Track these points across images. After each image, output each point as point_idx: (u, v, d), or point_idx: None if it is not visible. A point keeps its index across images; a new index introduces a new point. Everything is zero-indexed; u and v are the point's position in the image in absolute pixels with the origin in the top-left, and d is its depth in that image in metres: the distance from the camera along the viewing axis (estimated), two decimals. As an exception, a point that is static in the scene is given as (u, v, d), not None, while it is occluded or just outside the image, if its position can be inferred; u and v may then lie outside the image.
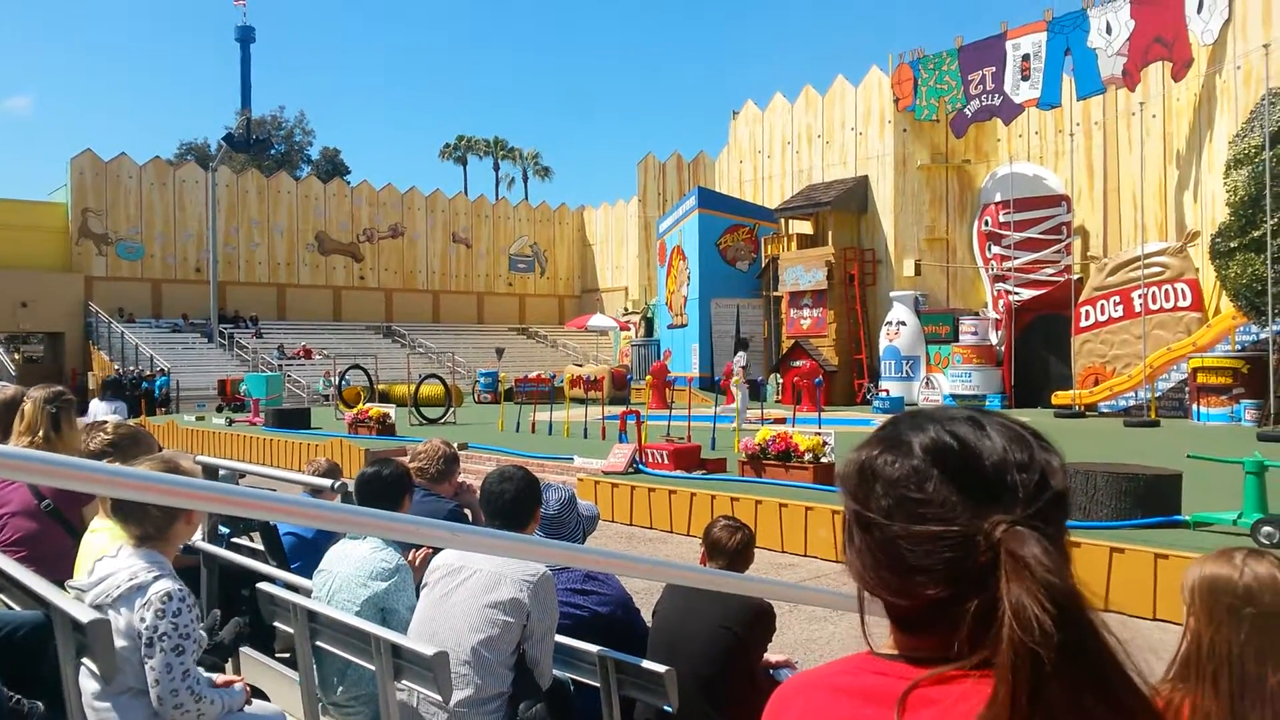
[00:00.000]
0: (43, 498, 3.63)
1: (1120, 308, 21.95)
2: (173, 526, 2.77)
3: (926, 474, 0.94)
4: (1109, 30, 22.85)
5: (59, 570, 3.18)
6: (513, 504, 3.35)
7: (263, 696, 3.37)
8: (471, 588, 3.09)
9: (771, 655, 3.77)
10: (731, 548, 3.68)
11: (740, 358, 20.06)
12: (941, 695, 0.89)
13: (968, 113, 26.12)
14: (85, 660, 2.57)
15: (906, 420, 1.01)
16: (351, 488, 3.99)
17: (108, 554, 2.77)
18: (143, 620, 2.56)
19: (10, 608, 3.06)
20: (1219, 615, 1.74)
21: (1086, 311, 22.59)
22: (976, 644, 0.89)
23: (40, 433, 3.84)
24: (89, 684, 2.61)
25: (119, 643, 2.55)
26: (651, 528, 10.87)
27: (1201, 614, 1.77)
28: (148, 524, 2.71)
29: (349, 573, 3.46)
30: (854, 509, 0.99)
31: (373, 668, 2.89)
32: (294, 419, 20.64)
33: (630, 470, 11.81)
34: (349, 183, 49.16)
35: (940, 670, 0.91)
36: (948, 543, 0.91)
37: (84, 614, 2.49)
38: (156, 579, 2.62)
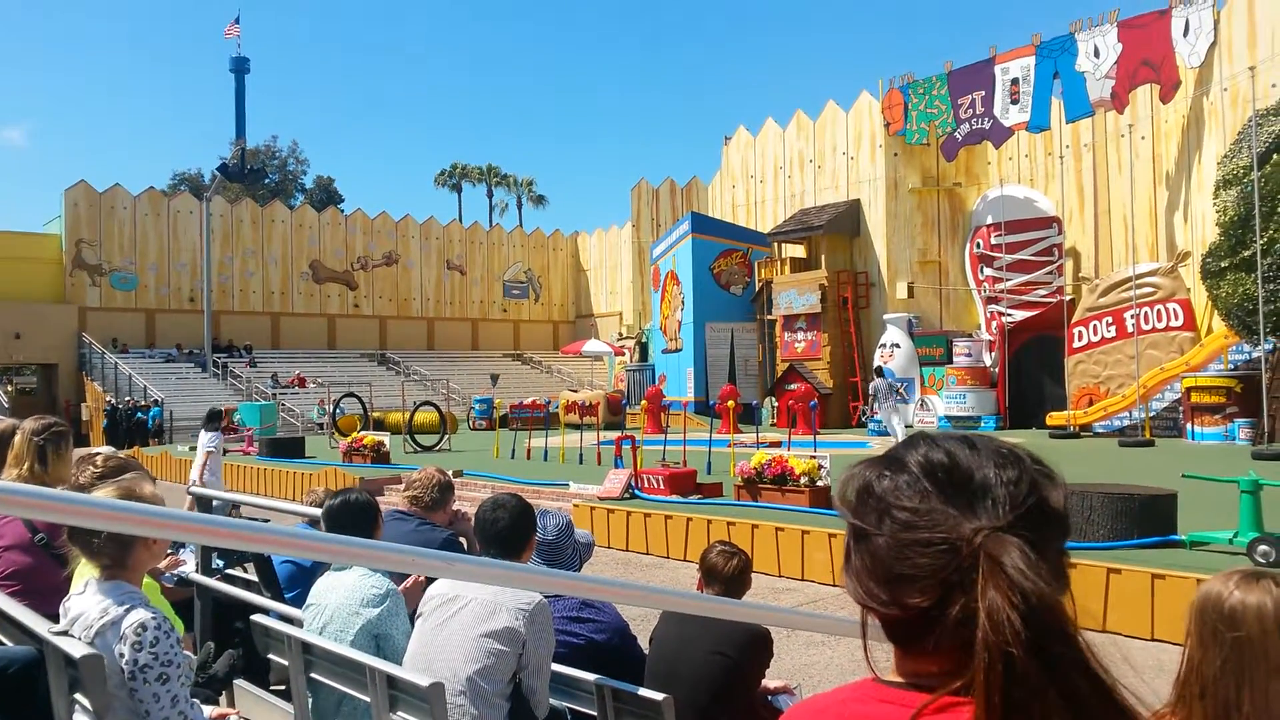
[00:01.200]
0: (36, 531, 3.61)
1: (1113, 328, 22.04)
2: (132, 554, 2.69)
3: (917, 485, 0.98)
4: (1097, 54, 23.07)
5: (53, 604, 3.15)
6: (507, 532, 3.34)
7: (257, 730, 3.35)
8: (466, 617, 3.07)
9: (770, 681, 3.75)
10: (728, 573, 3.67)
11: (880, 383, 20.23)
12: None
13: (958, 136, 26.31)
14: (78, 696, 2.55)
15: (905, 442, 1.05)
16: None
17: (75, 592, 2.74)
18: (122, 655, 2.53)
19: (2, 643, 3.03)
20: (1206, 637, 1.73)
21: (1079, 332, 22.67)
22: (968, 662, 0.90)
23: (26, 465, 3.81)
24: (82, 719, 2.59)
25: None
26: (648, 553, 10.83)
27: (1194, 634, 1.75)
28: (103, 555, 2.66)
29: (340, 602, 3.43)
30: (850, 522, 1.02)
31: (368, 699, 2.87)
32: (288, 448, 20.59)
33: (626, 495, 11.78)
34: (343, 211, 49.27)
35: (941, 696, 0.91)
36: (934, 550, 0.93)
37: (77, 649, 2.47)
38: (128, 610, 2.58)
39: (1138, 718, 0.88)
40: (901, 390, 20.76)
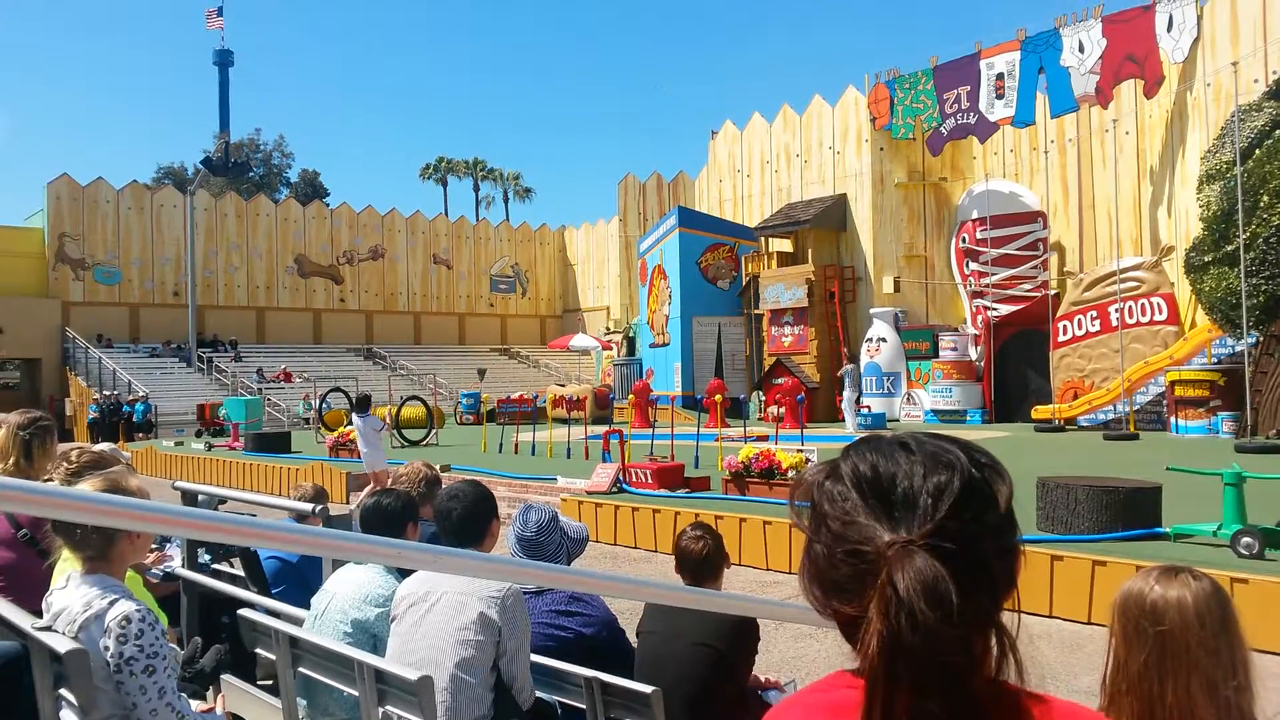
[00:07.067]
0: (19, 526, 3.58)
1: (1097, 322, 22.15)
2: (115, 547, 2.67)
3: (847, 495, 0.98)
4: (1081, 49, 23.16)
5: (37, 600, 3.13)
6: (461, 521, 3.35)
7: (244, 724, 3.34)
8: (441, 612, 3.07)
9: (762, 675, 3.76)
10: (698, 556, 3.68)
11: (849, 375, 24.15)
12: None
13: (943, 131, 26.37)
14: (63, 691, 2.54)
15: (846, 448, 1.06)
16: (334, 512, 3.96)
17: (57, 586, 2.72)
18: (107, 649, 2.52)
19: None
20: (1130, 634, 1.75)
21: (1064, 326, 22.78)
22: None
23: (11, 460, 3.79)
24: (68, 715, 2.58)
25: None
26: (636, 547, 10.85)
27: (1118, 633, 1.77)
28: (87, 547, 2.64)
29: (347, 594, 3.45)
30: (799, 524, 1.04)
31: (356, 693, 2.86)
32: (274, 443, 20.53)
33: (614, 490, 11.79)
34: (328, 205, 49.01)
35: None
36: (858, 560, 0.94)
37: (61, 644, 2.45)
38: (112, 603, 2.56)
39: None
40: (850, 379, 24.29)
